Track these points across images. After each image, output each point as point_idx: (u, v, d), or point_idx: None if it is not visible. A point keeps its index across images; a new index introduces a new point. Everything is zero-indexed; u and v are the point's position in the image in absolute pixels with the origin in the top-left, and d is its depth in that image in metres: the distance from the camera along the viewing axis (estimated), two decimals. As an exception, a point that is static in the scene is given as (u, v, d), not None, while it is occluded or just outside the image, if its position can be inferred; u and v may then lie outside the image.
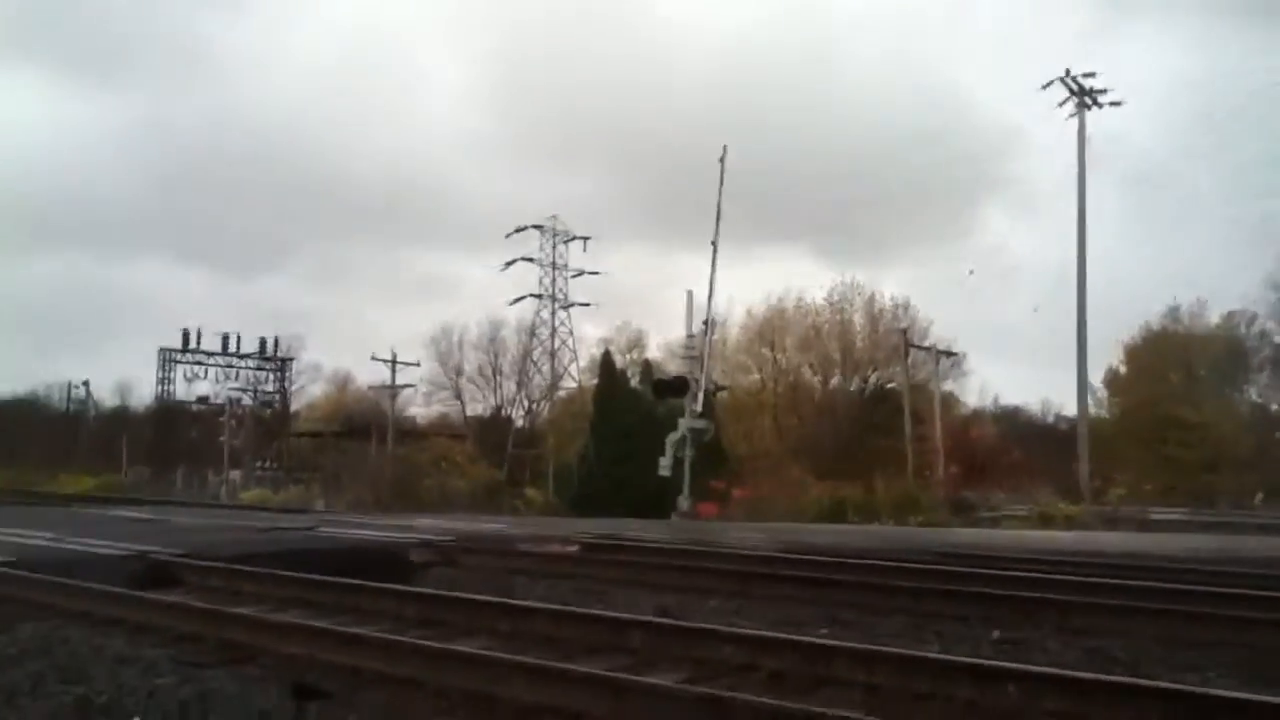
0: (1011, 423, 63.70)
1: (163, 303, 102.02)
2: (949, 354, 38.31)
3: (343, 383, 74.25)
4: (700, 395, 24.90)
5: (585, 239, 59.34)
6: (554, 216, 59.41)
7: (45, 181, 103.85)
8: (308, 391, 67.80)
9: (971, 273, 54.52)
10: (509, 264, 58.11)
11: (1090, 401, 58.25)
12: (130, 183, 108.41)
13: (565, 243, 59.65)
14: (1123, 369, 61.40)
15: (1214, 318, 55.74)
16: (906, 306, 58.48)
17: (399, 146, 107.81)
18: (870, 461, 46.98)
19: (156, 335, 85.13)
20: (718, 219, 25.38)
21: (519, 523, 20.82)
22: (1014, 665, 6.17)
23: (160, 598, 8.58)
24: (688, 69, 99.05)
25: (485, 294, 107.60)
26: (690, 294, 27.04)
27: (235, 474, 53.02)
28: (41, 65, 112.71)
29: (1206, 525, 26.93)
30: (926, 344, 57.73)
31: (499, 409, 70.32)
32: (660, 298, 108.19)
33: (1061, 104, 35.07)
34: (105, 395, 75.26)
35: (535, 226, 58.56)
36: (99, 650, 6.95)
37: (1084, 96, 34.53)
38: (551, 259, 59.21)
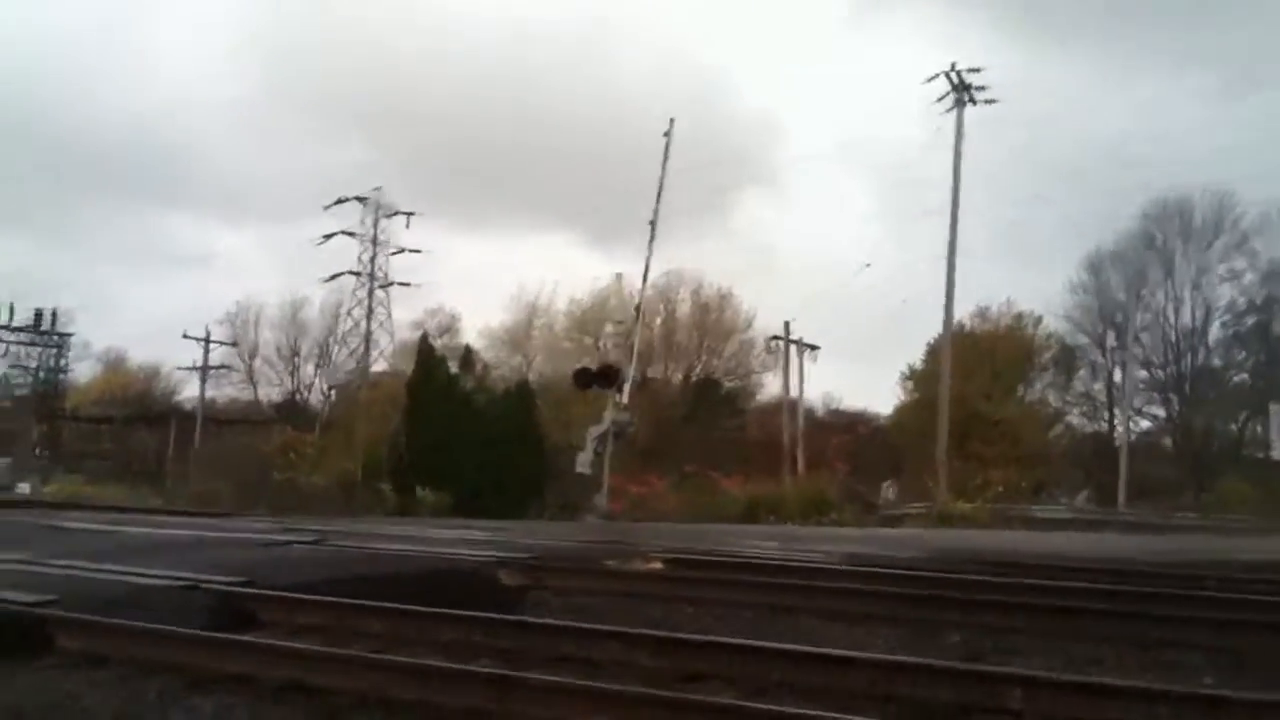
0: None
1: None
2: (812, 347, 38.34)
3: (116, 362, 67.97)
4: (627, 387, 23.41)
5: (409, 214, 56.18)
6: (378, 188, 56.08)
7: None
8: (74, 371, 61.26)
9: (869, 265, 54.59)
10: (328, 237, 54.49)
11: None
12: None
13: (387, 218, 56.32)
14: (920, 365, 64.11)
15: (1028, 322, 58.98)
16: (730, 295, 58.84)
17: (145, 106, 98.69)
18: (694, 454, 46.86)
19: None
20: (659, 196, 23.92)
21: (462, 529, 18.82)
22: None
23: (334, 650, 6.52)
24: (461, 40, 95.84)
25: (252, 268, 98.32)
26: (619, 276, 25.57)
27: (3, 461, 47.13)
28: None
29: (1091, 523, 27.99)
30: (748, 335, 58.53)
31: (294, 393, 66.28)
32: (466, 282, 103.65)
33: (940, 99, 35.89)
34: None
35: (358, 198, 55.08)
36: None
37: (963, 92, 35.34)
38: (373, 234, 55.78)
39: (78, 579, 8.68)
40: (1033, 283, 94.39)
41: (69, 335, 53.00)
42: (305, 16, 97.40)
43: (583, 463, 22.86)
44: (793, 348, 39.79)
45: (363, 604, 8.18)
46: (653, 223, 24.11)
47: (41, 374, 51.00)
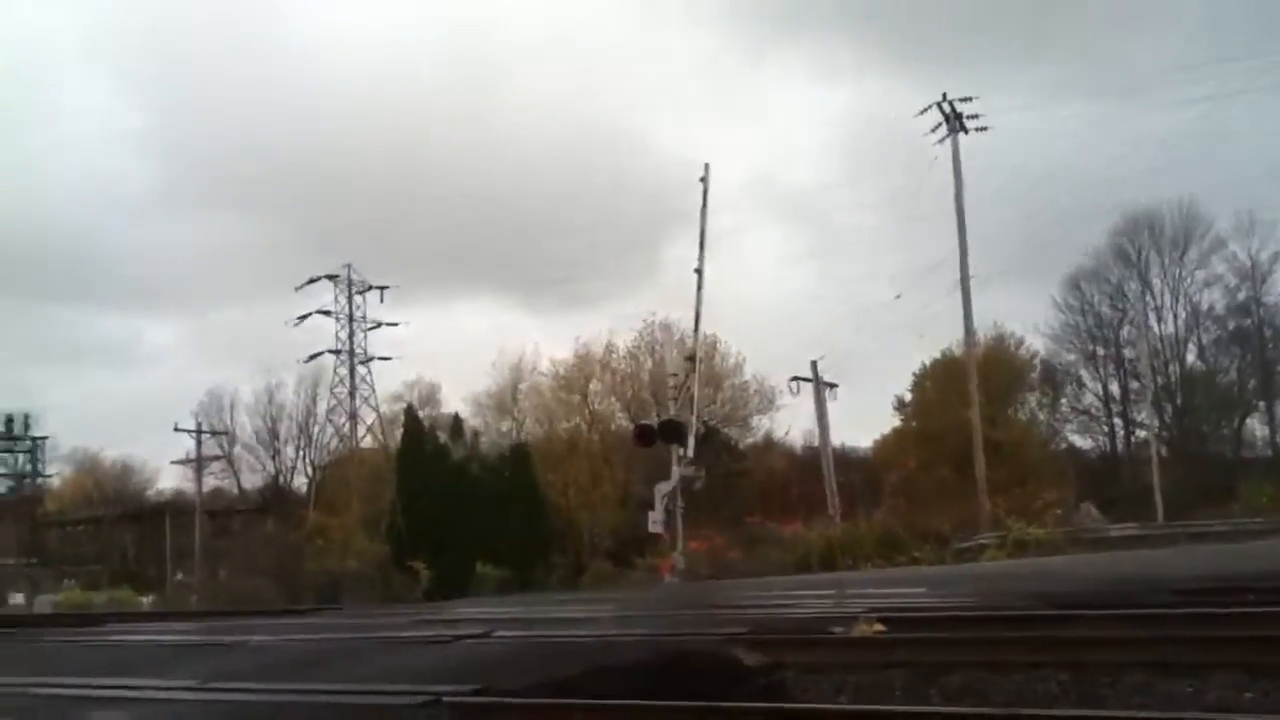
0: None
1: None
2: (831, 385, 37.61)
3: (86, 461, 65.49)
4: (692, 440, 22.33)
5: (383, 288, 55.17)
6: (348, 265, 54.98)
7: None
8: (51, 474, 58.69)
9: (898, 297, 53.64)
10: (303, 318, 53.28)
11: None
12: None
13: (361, 293, 55.23)
14: (909, 396, 63.67)
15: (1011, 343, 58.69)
16: (717, 341, 58.01)
17: (42, 205, 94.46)
18: (720, 502, 45.83)
19: None
20: (701, 244, 23.20)
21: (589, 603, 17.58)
22: None
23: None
24: (356, 104, 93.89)
25: (187, 357, 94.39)
26: (668, 329, 24.63)
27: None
28: None
29: (1163, 538, 27.33)
30: (744, 379, 57.88)
31: (277, 477, 64.30)
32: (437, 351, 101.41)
33: (935, 129, 35.76)
34: None
35: (329, 277, 53.96)
36: None
37: (957, 120, 35.23)
38: (349, 311, 54.62)
39: (302, 706, 7.43)
40: (1012, 304, 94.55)
41: (44, 439, 50.88)
42: (194, 101, 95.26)
43: (654, 521, 21.69)
44: (805, 386, 38.95)
45: (661, 705, 7.01)
46: (698, 270, 23.43)
47: (26, 480, 48.59)
